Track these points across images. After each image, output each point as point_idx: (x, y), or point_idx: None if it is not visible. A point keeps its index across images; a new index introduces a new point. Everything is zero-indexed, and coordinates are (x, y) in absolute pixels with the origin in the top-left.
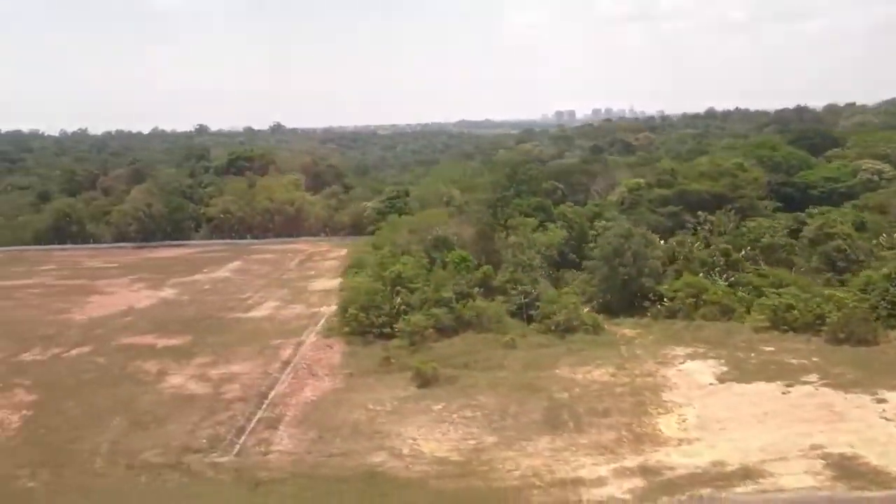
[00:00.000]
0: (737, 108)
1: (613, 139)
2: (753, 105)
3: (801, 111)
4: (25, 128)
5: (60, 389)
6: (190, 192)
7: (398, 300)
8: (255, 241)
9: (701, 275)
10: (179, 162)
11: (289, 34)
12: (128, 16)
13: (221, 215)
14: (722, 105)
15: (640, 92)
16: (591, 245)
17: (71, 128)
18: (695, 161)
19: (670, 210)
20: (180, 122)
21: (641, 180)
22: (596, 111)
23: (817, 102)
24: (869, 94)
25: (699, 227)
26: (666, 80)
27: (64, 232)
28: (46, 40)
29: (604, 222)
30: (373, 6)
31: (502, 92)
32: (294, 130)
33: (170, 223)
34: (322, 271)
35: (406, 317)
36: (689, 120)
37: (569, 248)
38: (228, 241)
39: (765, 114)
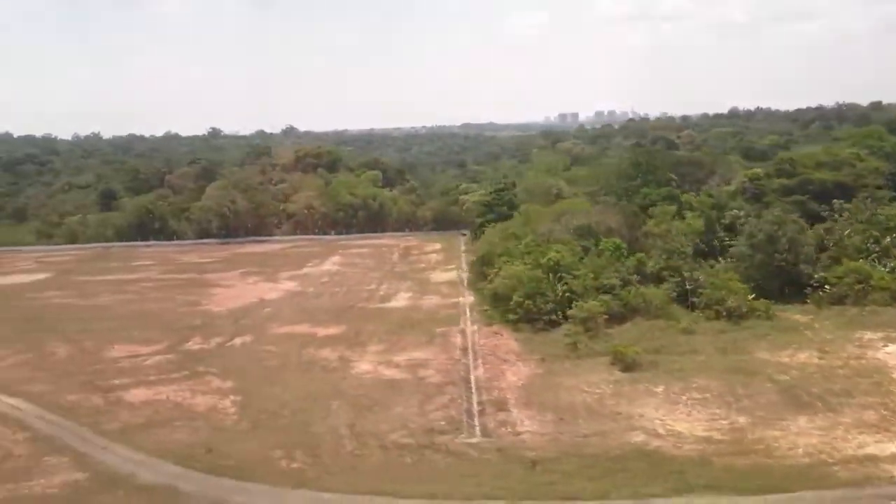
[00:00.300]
0: (758, 107)
1: (655, 137)
2: (756, 105)
3: (841, 109)
4: (38, 133)
5: (252, 376)
6: (262, 188)
7: (561, 287)
8: (340, 236)
9: (861, 261)
10: (242, 160)
11: (294, 39)
12: (133, 19)
13: (305, 211)
14: (725, 106)
15: (641, 94)
16: (724, 234)
17: (83, 132)
18: (804, 151)
19: (796, 199)
20: (189, 125)
21: (759, 170)
22: (599, 113)
23: (827, 102)
24: (869, 95)
25: (836, 216)
26: (667, 81)
27: (147, 228)
28: (46, 46)
29: (734, 211)
30: (374, 12)
31: (504, 95)
32: (308, 133)
33: (253, 219)
34: (431, 264)
35: (578, 303)
36: (713, 120)
37: (702, 236)
38: (312, 236)
39: (790, 113)
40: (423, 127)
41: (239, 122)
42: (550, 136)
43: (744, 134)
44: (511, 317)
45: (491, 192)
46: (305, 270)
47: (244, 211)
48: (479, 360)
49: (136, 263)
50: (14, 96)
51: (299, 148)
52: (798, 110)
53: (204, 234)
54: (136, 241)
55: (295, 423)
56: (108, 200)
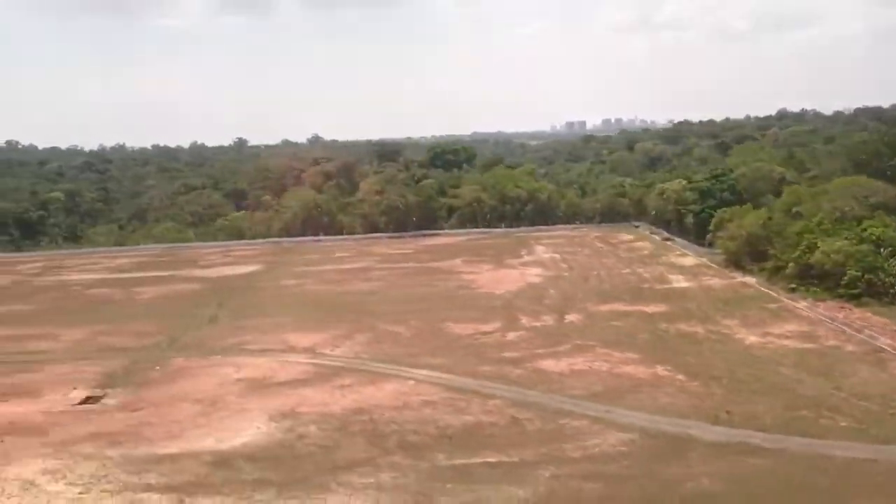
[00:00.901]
0: (803, 109)
1: (739, 135)
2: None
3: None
4: (63, 145)
5: (644, 348)
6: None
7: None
8: (512, 229)
9: None
10: (370, 160)
11: (302, 53)
12: (150, 32)
13: (474, 204)
14: (733, 113)
15: (646, 101)
16: None
17: (108, 143)
18: None
19: None
20: (207, 136)
21: None
22: (606, 121)
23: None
24: (870, 98)
25: None
26: (672, 89)
27: (315, 223)
28: (61, 59)
29: None
30: (381, 24)
31: (510, 104)
32: (334, 142)
33: (423, 213)
34: (652, 251)
35: None
36: (762, 121)
37: None
38: (484, 230)
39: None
40: (432, 136)
41: (252, 134)
42: (624, 137)
43: (820, 132)
44: (849, 292)
45: (708, 179)
46: (527, 258)
47: (415, 205)
48: (867, 333)
49: (336, 255)
50: (22, 108)
51: (435, 145)
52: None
53: (372, 228)
54: (303, 236)
55: (769, 387)
56: (239, 200)
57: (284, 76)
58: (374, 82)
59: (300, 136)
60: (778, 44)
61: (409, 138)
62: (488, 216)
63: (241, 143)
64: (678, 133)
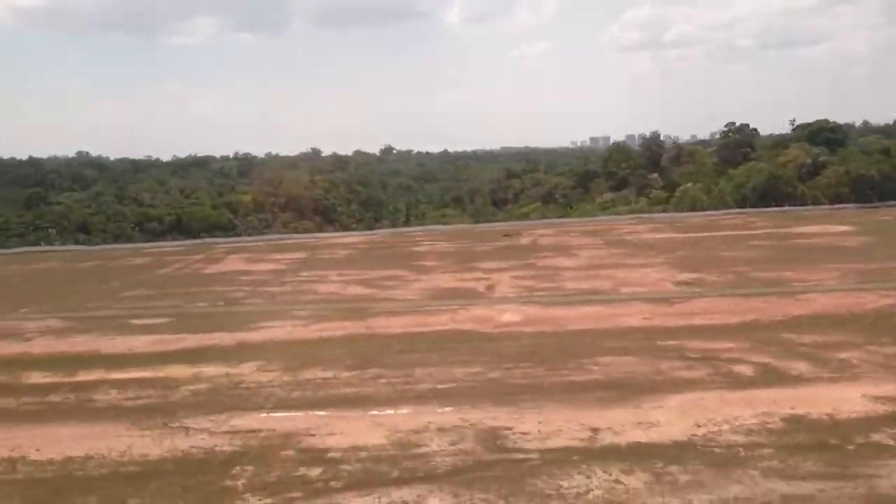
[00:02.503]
0: (847, 122)
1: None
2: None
3: None
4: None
5: None
6: None
7: None
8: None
9: None
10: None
11: (313, 66)
12: (149, 50)
13: None
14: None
15: (665, 117)
16: None
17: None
18: None
19: None
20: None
21: None
22: (630, 136)
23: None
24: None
25: None
26: (688, 104)
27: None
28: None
29: None
30: (394, 40)
31: (528, 119)
32: (408, 152)
33: None
34: None
35: None
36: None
37: None
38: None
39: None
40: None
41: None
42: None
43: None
44: None
45: None
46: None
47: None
48: None
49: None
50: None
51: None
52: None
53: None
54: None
55: None
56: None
57: (296, 89)
58: (388, 96)
59: (303, 147)
60: (784, 60)
61: (420, 153)
62: None
63: (315, 153)
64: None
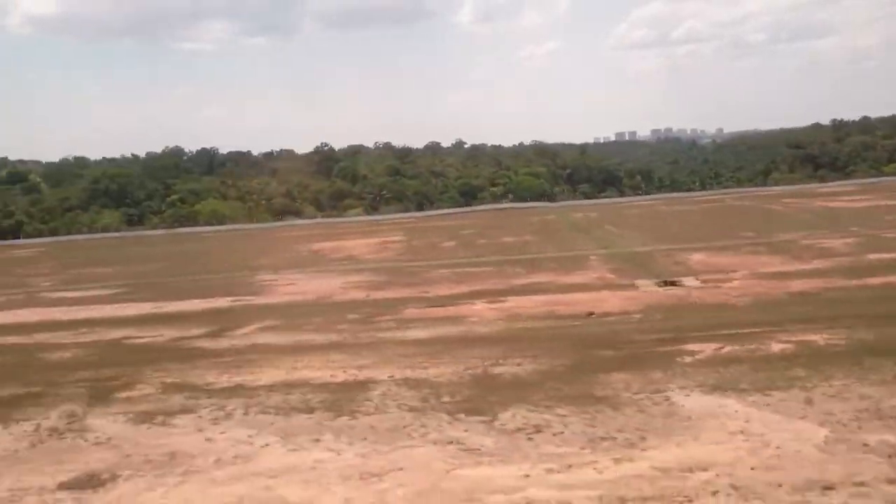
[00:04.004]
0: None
1: None
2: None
3: None
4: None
5: None
6: None
7: None
8: None
9: None
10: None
11: (324, 67)
12: (156, 56)
13: None
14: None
15: (690, 111)
16: None
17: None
18: None
19: None
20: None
21: None
22: (655, 131)
23: None
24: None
25: None
26: (716, 99)
27: None
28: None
29: None
30: (404, 40)
31: (548, 117)
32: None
33: None
34: None
35: None
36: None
37: None
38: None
39: None
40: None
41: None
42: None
43: None
44: None
45: None
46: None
47: None
48: None
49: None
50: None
51: None
52: None
53: None
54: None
55: None
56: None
57: (309, 91)
58: (400, 95)
59: (309, 143)
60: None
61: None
62: None
63: (360, 148)
64: None
